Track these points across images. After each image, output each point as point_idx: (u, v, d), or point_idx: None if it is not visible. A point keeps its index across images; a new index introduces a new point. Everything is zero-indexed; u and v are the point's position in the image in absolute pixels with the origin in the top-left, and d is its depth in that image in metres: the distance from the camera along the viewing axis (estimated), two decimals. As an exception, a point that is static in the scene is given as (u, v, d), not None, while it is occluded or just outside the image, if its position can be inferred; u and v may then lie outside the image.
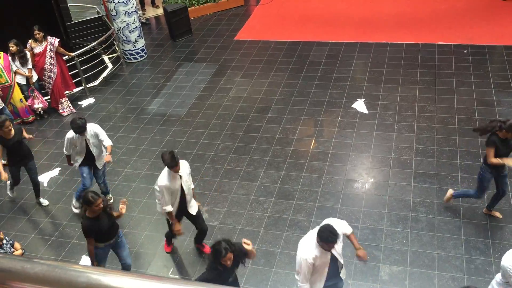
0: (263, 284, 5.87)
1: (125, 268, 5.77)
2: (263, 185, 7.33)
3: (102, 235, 5.31)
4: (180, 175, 5.59)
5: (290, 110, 8.88)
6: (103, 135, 6.56)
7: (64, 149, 6.73)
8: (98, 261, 5.51)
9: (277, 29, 11.82)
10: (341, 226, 4.80)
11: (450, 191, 6.43)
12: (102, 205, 5.10)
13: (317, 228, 4.56)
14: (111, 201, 7.23)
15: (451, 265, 5.81)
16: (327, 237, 4.34)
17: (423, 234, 6.23)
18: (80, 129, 6.31)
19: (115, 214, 5.44)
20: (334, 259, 4.68)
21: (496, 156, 5.57)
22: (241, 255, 4.66)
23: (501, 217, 6.26)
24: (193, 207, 5.90)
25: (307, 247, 4.56)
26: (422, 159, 7.40)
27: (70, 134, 6.50)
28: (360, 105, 8.76)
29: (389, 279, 5.74)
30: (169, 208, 5.65)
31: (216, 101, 9.42)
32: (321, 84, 9.50)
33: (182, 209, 5.86)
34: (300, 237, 6.35)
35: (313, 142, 8.07)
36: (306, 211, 6.80)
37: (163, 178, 5.55)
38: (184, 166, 5.70)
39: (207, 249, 6.22)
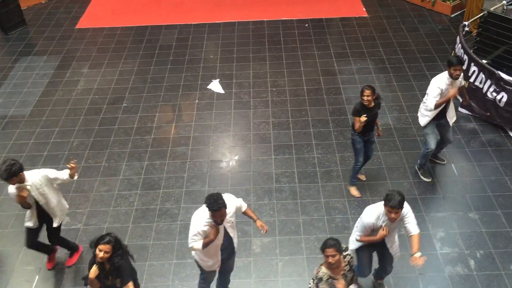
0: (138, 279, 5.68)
1: None
2: (127, 178, 7.05)
3: None
4: (28, 186, 5.04)
5: (145, 97, 8.62)
6: None
7: None
8: None
9: (122, 14, 11.31)
10: (234, 201, 4.72)
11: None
12: None
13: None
14: None
15: (315, 227, 6.21)
16: (210, 204, 4.27)
17: (287, 203, 6.55)
18: None
19: None
20: (228, 234, 4.66)
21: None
22: (125, 267, 4.44)
23: (365, 179, 6.81)
24: (57, 220, 5.46)
25: (201, 216, 4.48)
26: (279, 132, 7.73)
27: None
28: (215, 86, 8.83)
29: (261, 251, 5.95)
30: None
31: (63, 96, 8.75)
32: (175, 68, 9.36)
33: (45, 220, 5.42)
34: (171, 225, 6.33)
35: (173, 127, 7.94)
36: (174, 198, 6.71)
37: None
38: (34, 176, 5.11)
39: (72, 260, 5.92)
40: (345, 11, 11.05)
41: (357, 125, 5.91)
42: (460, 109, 7.87)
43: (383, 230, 4.58)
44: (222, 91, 8.69)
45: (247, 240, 6.09)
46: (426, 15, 10.70)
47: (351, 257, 4.39)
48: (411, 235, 4.61)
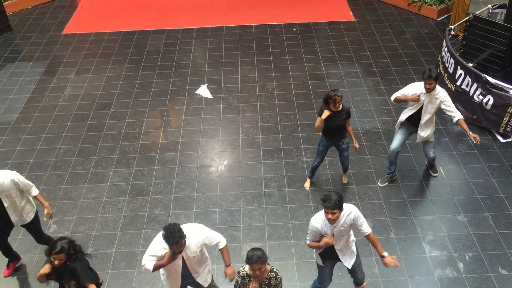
0: (126, 287, 5.63)
1: None
2: (114, 184, 6.99)
3: None
4: None
5: (133, 103, 8.56)
6: None
7: None
8: None
9: (109, 20, 11.25)
10: (201, 235, 4.44)
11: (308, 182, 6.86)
12: None
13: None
14: None
15: (305, 232, 6.19)
16: (166, 238, 4.05)
17: (277, 208, 6.54)
18: None
19: None
20: (185, 264, 4.45)
21: (325, 125, 6.04)
22: (81, 269, 4.38)
23: (346, 182, 6.84)
24: (24, 217, 5.40)
25: (161, 241, 4.22)
26: (268, 136, 7.72)
27: None
28: (204, 91, 8.80)
29: (251, 256, 5.92)
30: None
31: (50, 102, 8.67)
32: (163, 73, 9.33)
33: (7, 221, 5.38)
34: (160, 231, 6.24)
35: (161, 133, 7.90)
36: (163, 204, 6.67)
37: None
38: (1, 178, 5.05)
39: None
40: (333, 15, 11.09)
41: (316, 123, 6.00)
42: (447, 112, 7.92)
43: (328, 238, 4.45)
44: (210, 96, 8.67)
45: (237, 246, 6.06)
46: (412, 19, 10.78)
47: (275, 276, 4.26)
48: (367, 236, 4.57)
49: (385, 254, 4.57)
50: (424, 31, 10.34)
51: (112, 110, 8.41)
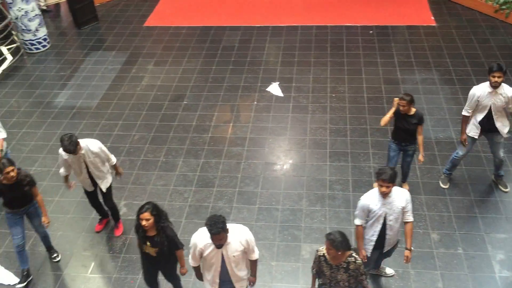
0: (186, 276, 5.79)
1: (41, 234, 5.90)
2: (182, 174, 7.21)
3: (10, 202, 5.44)
4: (82, 154, 5.59)
5: (205, 96, 8.78)
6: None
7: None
8: (8, 225, 5.62)
9: (188, 14, 11.59)
10: (243, 236, 4.41)
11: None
12: (12, 174, 5.12)
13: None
14: None
15: (367, 238, 6.08)
16: (209, 226, 4.09)
17: (340, 211, 6.46)
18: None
19: None
20: (224, 262, 4.44)
21: (395, 126, 6.10)
22: (166, 230, 4.70)
23: (408, 188, 6.63)
24: (103, 183, 5.92)
25: (204, 233, 4.31)
26: (336, 139, 7.64)
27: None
28: (274, 88, 8.86)
29: (310, 257, 5.90)
30: (61, 171, 5.81)
31: (128, 90, 9.09)
32: (236, 69, 9.48)
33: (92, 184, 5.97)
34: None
35: (230, 127, 8.05)
36: (227, 197, 6.80)
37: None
38: (89, 145, 5.60)
39: (119, 230, 6.42)
40: (413, 19, 10.76)
41: (385, 116, 6.09)
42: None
43: (362, 253, 4.99)
44: (281, 94, 8.71)
45: (297, 245, 6.06)
46: (498, 27, 10.23)
47: (354, 261, 4.35)
48: (406, 223, 4.86)
49: (411, 248, 4.96)
50: (510, 40, 9.78)
51: (185, 102, 8.67)
